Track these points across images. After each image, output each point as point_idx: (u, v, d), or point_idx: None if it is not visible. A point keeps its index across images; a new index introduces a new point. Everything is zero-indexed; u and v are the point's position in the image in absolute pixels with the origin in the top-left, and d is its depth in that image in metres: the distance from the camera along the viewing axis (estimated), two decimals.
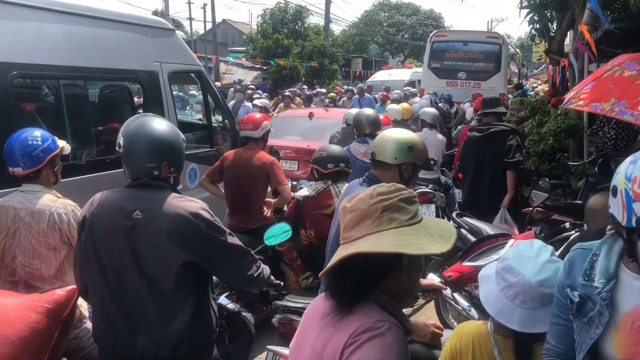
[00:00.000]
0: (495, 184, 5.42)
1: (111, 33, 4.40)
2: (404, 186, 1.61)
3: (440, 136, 7.26)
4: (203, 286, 2.30)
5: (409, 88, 15.41)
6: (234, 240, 2.31)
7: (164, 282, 2.15)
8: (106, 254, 2.20)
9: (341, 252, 1.50)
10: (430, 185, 6.60)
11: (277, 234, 3.17)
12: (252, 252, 2.45)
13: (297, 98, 14.17)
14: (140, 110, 4.84)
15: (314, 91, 15.84)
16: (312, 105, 12.34)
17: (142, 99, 5.19)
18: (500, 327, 1.97)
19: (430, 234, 1.48)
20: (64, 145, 3.03)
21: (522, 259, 1.90)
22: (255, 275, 2.39)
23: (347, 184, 3.27)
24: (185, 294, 2.19)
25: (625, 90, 3.00)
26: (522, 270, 1.87)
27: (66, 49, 3.98)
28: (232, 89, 13.27)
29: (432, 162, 6.60)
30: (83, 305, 2.91)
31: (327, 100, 12.95)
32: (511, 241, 3.48)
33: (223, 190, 4.77)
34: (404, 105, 8.63)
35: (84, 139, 4.48)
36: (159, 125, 2.29)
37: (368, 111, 5.83)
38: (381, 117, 6.16)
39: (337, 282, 1.53)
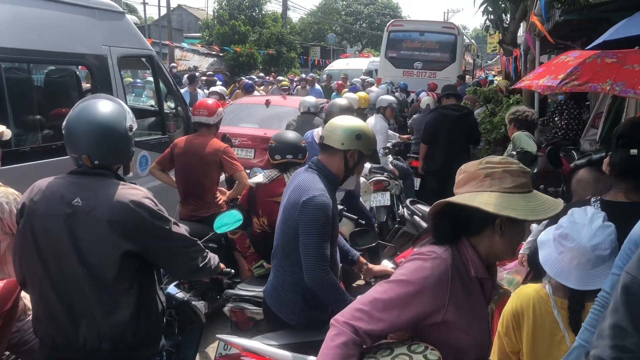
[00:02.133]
0: (462, 154, 6.44)
1: (57, 15, 4.23)
2: (516, 160, 1.80)
3: (385, 122, 7.45)
4: (147, 275, 2.25)
5: (366, 77, 15.47)
6: (178, 229, 2.26)
7: (105, 272, 2.09)
8: (46, 243, 2.12)
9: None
10: (386, 174, 6.66)
11: (229, 222, 3.12)
12: (199, 241, 2.40)
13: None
14: (89, 94, 4.68)
15: (259, 79, 15.64)
16: (257, 93, 12.16)
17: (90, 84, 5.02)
18: (558, 288, 2.13)
19: (527, 203, 1.69)
20: (3, 130, 2.90)
21: (577, 226, 2.06)
22: (200, 265, 2.35)
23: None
24: (127, 283, 2.13)
25: (617, 74, 3.18)
26: (576, 236, 2.04)
27: (8, 30, 3.81)
28: (186, 75, 13.01)
29: (387, 149, 6.68)
30: (27, 297, 2.80)
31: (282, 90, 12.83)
32: None
33: (174, 178, 4.68)
34: (362, 94, 8.64)
35: (28, 125, 4.31)
36: (93, 113, 2.17)
37: (341, 101, 5.80)
38: None
39: (435, 225, 1.83)
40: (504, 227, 1.72)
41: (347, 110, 5.13)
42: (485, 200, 1.69)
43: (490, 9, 11.22)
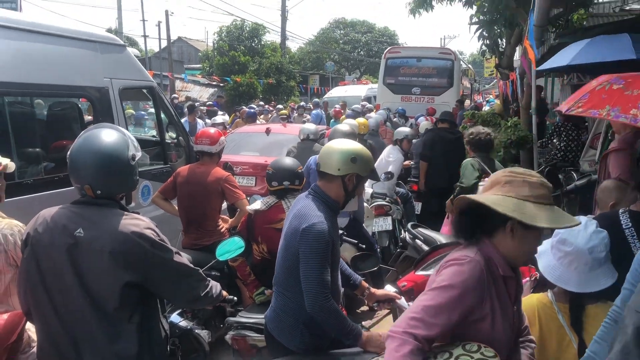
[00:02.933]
0: (454, 173, 6.24)
1: (60, 49, 4.31)
2: (537, 174, 1.93)
3: (400, 153, 7.36)
4: (150, 304, 2.25)
5: (365, 103, 15.59)
6: (180, 259, 2.27)
7: (108, 302, 2.10)
8: (49, 273, 2.13)
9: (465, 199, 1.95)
10: (387, 199, 6.68)
11: (231, 249, 3.13)
12: (200, 270, 2.40)
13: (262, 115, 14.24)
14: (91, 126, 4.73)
15: (259, 108, 15.80)
16: (258, 122, 12.27)
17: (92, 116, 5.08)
18: (559, 294, 2.24)
19: (539, 212, 1.82)
20: (7, 163, 2.93)
21: (573, 232, 2.18)
22: (202, 294, 2.36)
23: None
24: (130, 312, 2.13)
25: (617, 99, 3.37)
26: (574, 240, 2.17)
27: (11, 64, 3.87)
28: (186, 105, 13.12)
29: (389, 175, 6.71)
30: (31, 329, 2.79)
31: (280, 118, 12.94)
32: None
33: (177, 207, 4.70)
34: (360, 120, 8.69)
35: (31, 157, 4.35)
36: (95, 143, 2.19)
37: (343, 127, 5.85)
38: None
39: (457, 220, 2.01)
40: (515, 231, 1.86)
41: (350, 135, 5.17)
42: (497, 201, 1.85)
43: (486, 34, 11.35)
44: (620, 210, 2.64)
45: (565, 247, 2.19)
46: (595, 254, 2.15)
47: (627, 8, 9.56)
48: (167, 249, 2.21)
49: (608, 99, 3.45)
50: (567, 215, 1.90)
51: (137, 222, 2.18)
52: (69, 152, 2.22)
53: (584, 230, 2.19)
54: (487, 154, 5.37)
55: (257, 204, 3.89)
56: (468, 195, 1.94)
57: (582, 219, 2.24)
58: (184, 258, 2.33)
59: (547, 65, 6.68)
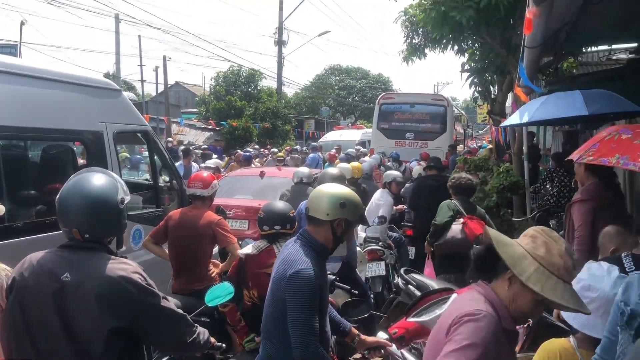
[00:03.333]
0: None
1: (56, 93, 4.36)
2: (565, 243, 1.90)
3: (389, 197, 7.37)
4: (136, 351, 2.21)
5: (359, 147, 15.73)
6: (167, 304, 2.24)
7: (93, 348, 2.06)
8: (34, 318, 2.10)
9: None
10: (380, 243, 6.65)
11: (220, 294, 3.10)
12: (190, 315, 2.37)
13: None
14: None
15: (255, 151, 15.94)
16: (253, 165, 12.36)
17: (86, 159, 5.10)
18: (583, 341, 2.21)
19: (541, 275, 1.81)
20: None
21: (597, 278, 2.19)
22: (190, 340, 2.32)
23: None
24: (115, 359, 2.09)
25: (626, 148, 3.50)
26: (599, 286, 2.17)
27: (8, 108, 3.91)
28: (181, 148, 13.20)
29: (382, 219, 6.70)
30: None
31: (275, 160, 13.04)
32: (454, 295, 3.50)
33: (167, 251, 4.67)
34: (355, 164, 8.74)
35: (22, 200, 4.34)
36: (84, 186, 2.20)
37: (332, 170, 5.88)
38: None
39: (478, 252, 2.03)
40: (512, 282, 1.87)
41: (339, 178, 5.18)
42: (507, 244, 1.89)
43: (477, 82, 11.57)
44: (624, 254, 2.67)
45: (591, 294, 2.17)
46: None
47: (614, 57, 9.80)
48: (154, 294, 2.19)
49: (617, 148, 3.56)
50: (570, 296, 1.84)
51: (125, 266, 2.16)
52: (58, 196, 2.22)
53: (608, 275, 2.19)
54: (467, 198, 5.60)
55: (249, 248, 3.87)
56: (490, 230, 1.99)
57: (604, 264, 2.27)
58: (172, 303, 2.30)
59: (509, 122, 7.03)
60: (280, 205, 4.07)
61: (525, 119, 6.02)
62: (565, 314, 2.23)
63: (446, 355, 1.80)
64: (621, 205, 4.62)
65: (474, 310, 1.84)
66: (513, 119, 6.64)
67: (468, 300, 1.92)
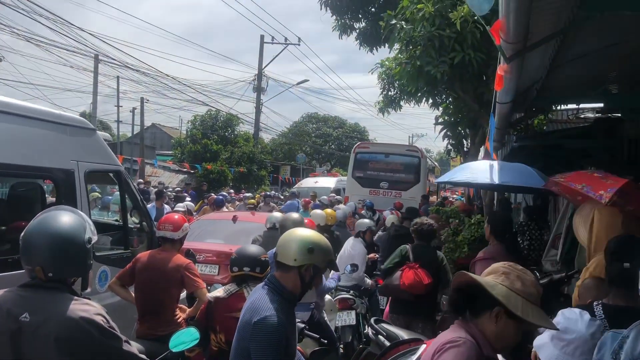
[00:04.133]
0: None
1: (26, 130, 4.31)
2: (532, 274, 2.13)
3: (362, 245, 7.35)
4: None
5: (334, 195, 15.78)
6: (130, 348, 2.18)
7: None
8: None
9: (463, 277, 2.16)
10: (352, 292, 6.59)
11: (185, 340, 3.02)
12: None
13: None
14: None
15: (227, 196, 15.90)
16: (226, 209, 12.28)
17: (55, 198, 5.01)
18: None
19: (525, 306, 1.99)
20: None
21: (572, 321, 2.34)
22: None
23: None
24: None
25: (592, 181, 3.83)
26: (575, 328, 2.32)
27: None
28: (154, 190, 13.06)
29: (354, 267, 6.67)
30: None
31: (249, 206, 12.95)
32: (423, 346, 3.47)
33: (134, 294, 4.55)
34: (329, 210, 8.75)
35: None
36: (50, 224, 2.16)
37: (294, 215, 5.87)
38: (305, 221, 6.21)
39: (451, 295, 2.21)
40: (499, 317, 2.03)
41: (299, 224, 5.18)
42: (492, 285, 2.04)
43: (450, 134, 11.83)
44: (595, 303, 2.76)
45: (568, 335, 2.32)
46: (596, 339, 2.30)
47: (582, 116, 10.15)
48: (116, 337, 2.13)
49: (586, 180, 3.90)
50: (547, 318, 2.07)
51: (87, 307, 2.10)
52: (22, 233, 2.17)
53: (581, 318, 2.37)
54: (427, 243, 5.69)
55: (218, 292, 3.80)
56: (467, 273, 2.14)
57: (575, 309, 2.45)
58: (134, 348, 2.24)
59: (445, 177, 7.50)
60: (253, 248, 4.04)
61: (455, 179, 6.73)
62: (545, 359, 2.35)
63: None
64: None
65: (454, 337, 2.03)
66: (450, 176, 7.20)
67: (449, 332, 2.11)
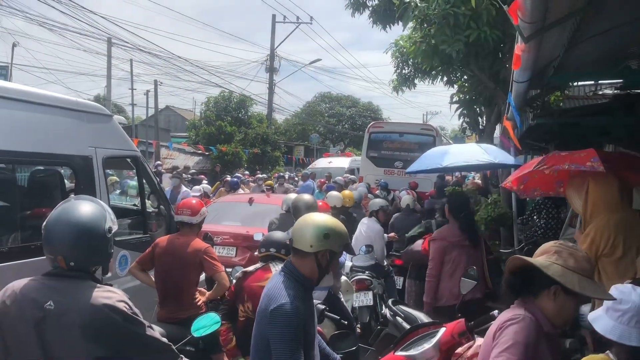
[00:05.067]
0: None
1: (45, 117, 4.34)
2: (579, 249, 2.30)
3: (378, 224, 7.35)
4: None
5: (348, 175, 15.75)
6: (153, 333, 2.21)
7: None
8: (14, 347, 2.06)
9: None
10: (367, 272, 6.62)
11: (207, 324, 3.07)
12: (173, 346, 2.34)
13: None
14: (72, 195, 4.72)
15: (252, 177, 15.94)
16: (241, 191, 12.34)
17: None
18: (621, 353, 2.37)
19: (580, 282, 2.14)
20: None
21: (625, 293, 2.39)
22: None
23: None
24: None
25: (572, 159, 4.04)
26: (629, 299, 2.36)
27: None
28: (169, 174, 13.11)
29: (369, 248, 6.68)
30: None
31: (265, 187, 12.98)
32: (442, 329, 3.49)
33: (153, 278, 4.61)
34: (346, 192, 8.68)
35: (7, 225, 4.29)
36: (72, 215, 2.19)
37: (306, 197, 5.87)
38: (319, 203, 6.21)
39: (508, 279, 2.33)
40: (557, 295, 2.16)
41: (312, 207, 5.20)
42: (547, 266, 2.16)
43: (466, 113, 11.70)
44: None
45: (623, 306, 2.38)
46: None
47: (600, 92, 9.98)
48: (139, 323, 2.17)
49: (564, 159, 4.12)
50: (604, 289, 2.27)
51: (110, 294, 2.14)
52: (44, 223, 2.20)
53: (634, 291, 2.42)
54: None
55: (249, 268, 3.89)
56: (521, 257, 2.28)
57: (627, 285, 2.52)
58: (157, 332, 2.27)
59: (415, 167, 7.81)
60: (280, 234, 4.14)
61: (435, 165, 7.29)
62: (601, 330, 2.40)
63: (496, 357, 2.09)
64: (476, 246, 5.23)
65: (514, 315, 2.17)
66: (420, 165, 7.62)
67: (508, 311, 2.25)
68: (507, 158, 7.51)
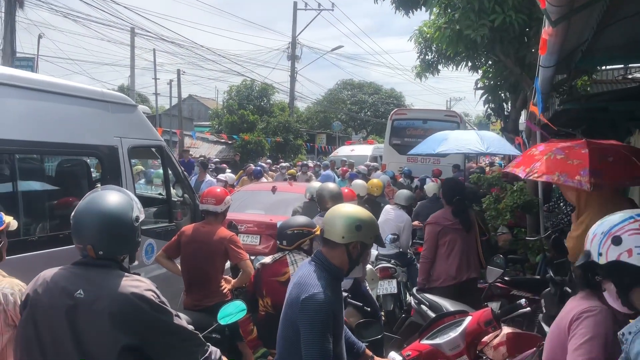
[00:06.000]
0: None
1: (72, 108, 4.40)
2: None
3: (407, 215, 7.28)
4: None
5: (370, 163, 15.68)
6: (180, 322, 2.23)
7: None
8: (47, 335, 2.10)
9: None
10: (392, 261, 6.61)
11: (232, 312, 3.10)
12: (199, 334, 2.36)
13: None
14: (98, 185, 4.78)
15: (276, 165, 15.96)
16: (265, 180, 12.37)
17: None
18: None
19: None
20: (10, 221, 2.93)
21: None
22: (200, 359, 2.30)
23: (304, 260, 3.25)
24: None
25: (563, 168, 3.89)
26: None
27: (24, 123, 3.95)
28: (199, 161, 13.21)
29: (395, 236, 6.66)
30: None
31: (287, 176, 13.00)
32: (468, 318, 3.46)
33: (180, 267, 4.67)
34: (375, 181, 8.57)
35: (37, 214, 4.37)
36: (100, 205, 2.21)
37: (331, 185, 5.86)
38: (345, 190, 6.19)
39: (579, 275, 2.24)
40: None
41: (337, 196, 5.19)
42: None
43: (491, 99, 11.52)
44: None
45: None
46: None
47: (630, 77, 9.73)
48: (166, 312, 2.19)
49: (556, 167, 3.97)
50: None
51: (138, 283, 2.16)
52: (73, 213, 2.24)
53: None
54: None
55: (266, 259, 3.90)
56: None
57: None
58: (184, 321, 2.29)
59: (413, 150, 8.78)
60: (301, 219, 4.06)
61: (433, 150, 7.76)
62: None
63: (575, 349, 2.06)
64: (469, 230, 5.29)
65: (590, 307, 2.11)
66: (418, 149, 8.43)
67: (582, 301, 2.18)
68: (501, 148, 8.09)
